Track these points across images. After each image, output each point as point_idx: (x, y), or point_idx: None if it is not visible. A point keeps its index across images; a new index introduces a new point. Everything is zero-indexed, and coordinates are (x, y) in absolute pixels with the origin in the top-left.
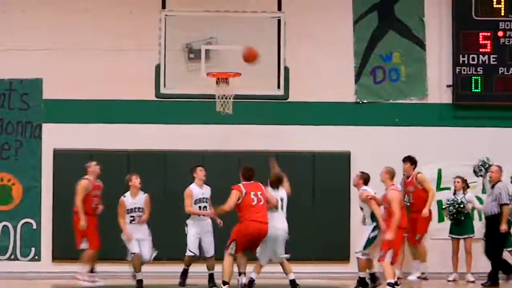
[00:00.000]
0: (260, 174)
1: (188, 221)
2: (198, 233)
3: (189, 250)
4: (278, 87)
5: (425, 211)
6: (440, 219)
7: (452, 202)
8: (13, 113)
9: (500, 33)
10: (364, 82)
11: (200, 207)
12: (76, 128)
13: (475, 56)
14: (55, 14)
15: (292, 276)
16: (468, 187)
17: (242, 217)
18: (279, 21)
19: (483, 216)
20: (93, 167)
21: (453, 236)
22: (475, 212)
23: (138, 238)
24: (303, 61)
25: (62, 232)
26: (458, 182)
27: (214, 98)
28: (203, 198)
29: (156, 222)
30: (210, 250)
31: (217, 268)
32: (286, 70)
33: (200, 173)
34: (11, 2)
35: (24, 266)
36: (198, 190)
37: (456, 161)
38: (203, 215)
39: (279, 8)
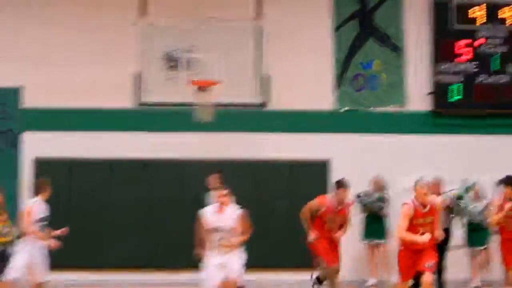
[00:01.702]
0: (239, 182)
1: None
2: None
3: None
4: (258, 95)
5: None
6: None
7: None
8: None
9: (480, 41)
10: (344, 90)
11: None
12: (57, 137)
13: (455, 64)
14: (35, 24)
15: None
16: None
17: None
18: (259, 29)
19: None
20: None
21: None
22: None
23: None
24: (283, 69)
25: None
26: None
27: (194, 106)
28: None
29: (140, 230)
30: None
31: None
32: (266, 78)
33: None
34: None
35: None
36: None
37: (435, 169)
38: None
39: (259, 16)
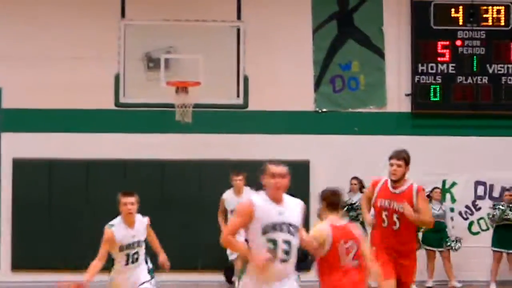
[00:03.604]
0: (219, 183)
1: None
2: None
3: None
4: (238, 96)
5: None
6: None
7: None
8: None
9: (458, 42)
10: (324, 91)
11: None
12: (35, 137)
13: (434, 65)
14: (14, 24)
15: None
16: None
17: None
18: (238, 30)
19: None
20: None
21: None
22: None
23: None
24: (263, 70)
25: (22, 241)
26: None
27: (174, 107)
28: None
29: None
30: None
31: None
32: (246, 79)
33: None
34: None
35: None
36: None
37: (415, 170)
38: None
39: (239, 17)
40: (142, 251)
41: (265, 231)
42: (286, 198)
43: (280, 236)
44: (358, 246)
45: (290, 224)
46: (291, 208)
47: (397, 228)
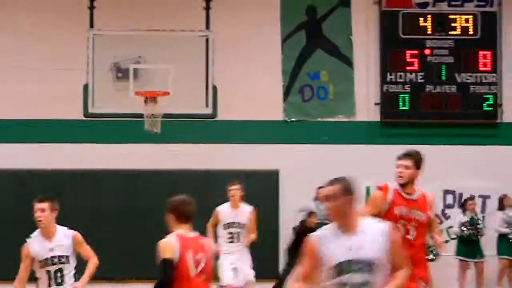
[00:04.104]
0: (190, 193)
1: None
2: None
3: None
4: (206, 105)
5: None
6: None
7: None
8: None
9: (427, 51)
10: (292, 100)
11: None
12: (3, 148)
13: (403, 74)
14: None
15: None
16: None
17: None
18: (207, 39)
19: None
20: None
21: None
22: None
23: None
24: (231, 79)
25: None
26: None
27: (143, 117)
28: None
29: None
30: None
31: None
32: (214, 88)
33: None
34: None
35: None
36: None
37: (384, 179)
38: None
39: (207, 27)
40: (68, 271)
41: (335, 274)
42: (365, 224)
43: (354, 279)
44: (207, 260)
45: (362, 262)
46: (367, 239)
47: (412, 238)
